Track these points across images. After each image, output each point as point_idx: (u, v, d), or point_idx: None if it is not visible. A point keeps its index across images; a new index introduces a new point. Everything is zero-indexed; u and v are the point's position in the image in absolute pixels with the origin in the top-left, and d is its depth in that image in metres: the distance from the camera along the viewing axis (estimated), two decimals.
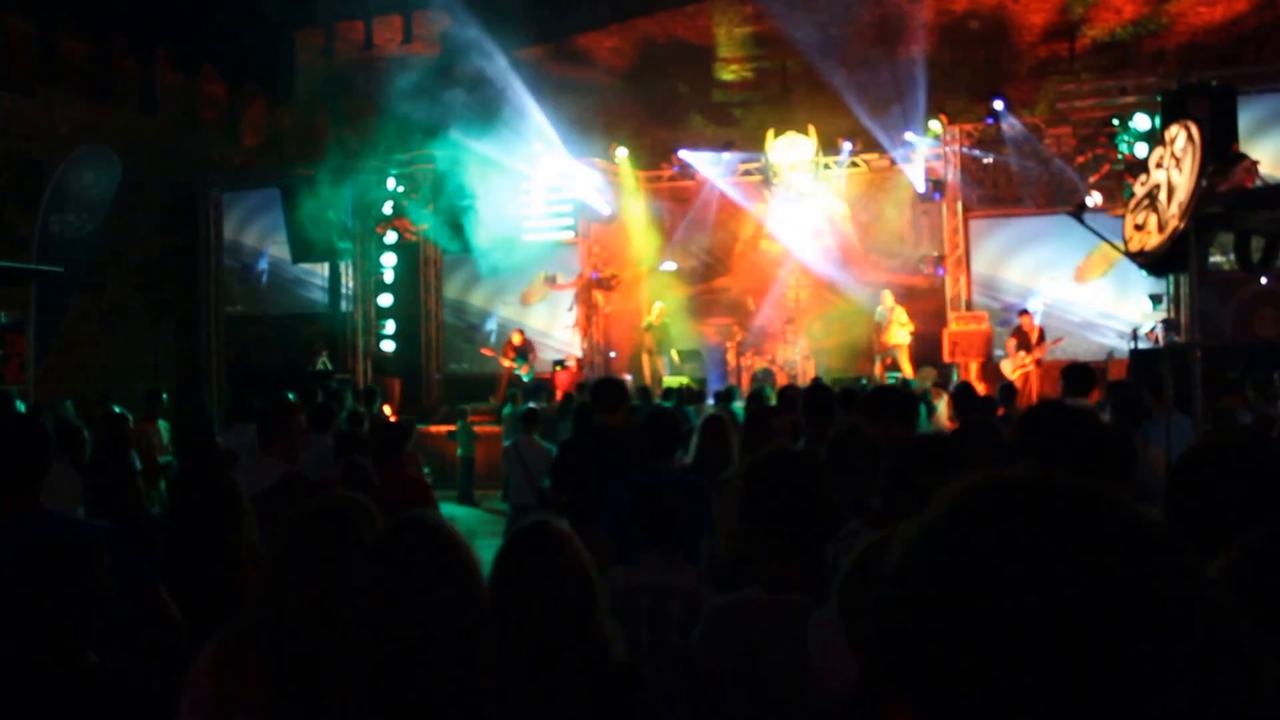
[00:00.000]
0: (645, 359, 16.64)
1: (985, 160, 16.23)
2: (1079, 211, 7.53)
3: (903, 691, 0.65)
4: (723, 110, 20.89)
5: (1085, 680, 0.59)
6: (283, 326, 18.77)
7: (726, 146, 18.01)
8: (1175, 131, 6.27)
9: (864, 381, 13.56)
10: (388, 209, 18.04)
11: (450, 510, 11.74)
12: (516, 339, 16.85)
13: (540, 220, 17.81)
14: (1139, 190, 6.91)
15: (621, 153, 17.63)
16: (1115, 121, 14.74)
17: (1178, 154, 6.04)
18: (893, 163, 16.65)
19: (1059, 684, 0.59)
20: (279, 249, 18.21)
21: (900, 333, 15.10)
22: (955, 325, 15.31)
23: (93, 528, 3.10)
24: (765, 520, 2.51)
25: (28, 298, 14.89)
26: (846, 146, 16.75)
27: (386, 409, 14.64)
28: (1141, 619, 0.60)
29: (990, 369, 14.54)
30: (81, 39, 17.49)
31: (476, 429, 14.61)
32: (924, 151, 15.98)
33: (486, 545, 2.04)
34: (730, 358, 16.29)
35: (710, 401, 12.79)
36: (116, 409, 7.24)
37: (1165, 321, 13.55)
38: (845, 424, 3.92)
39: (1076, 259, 15.46)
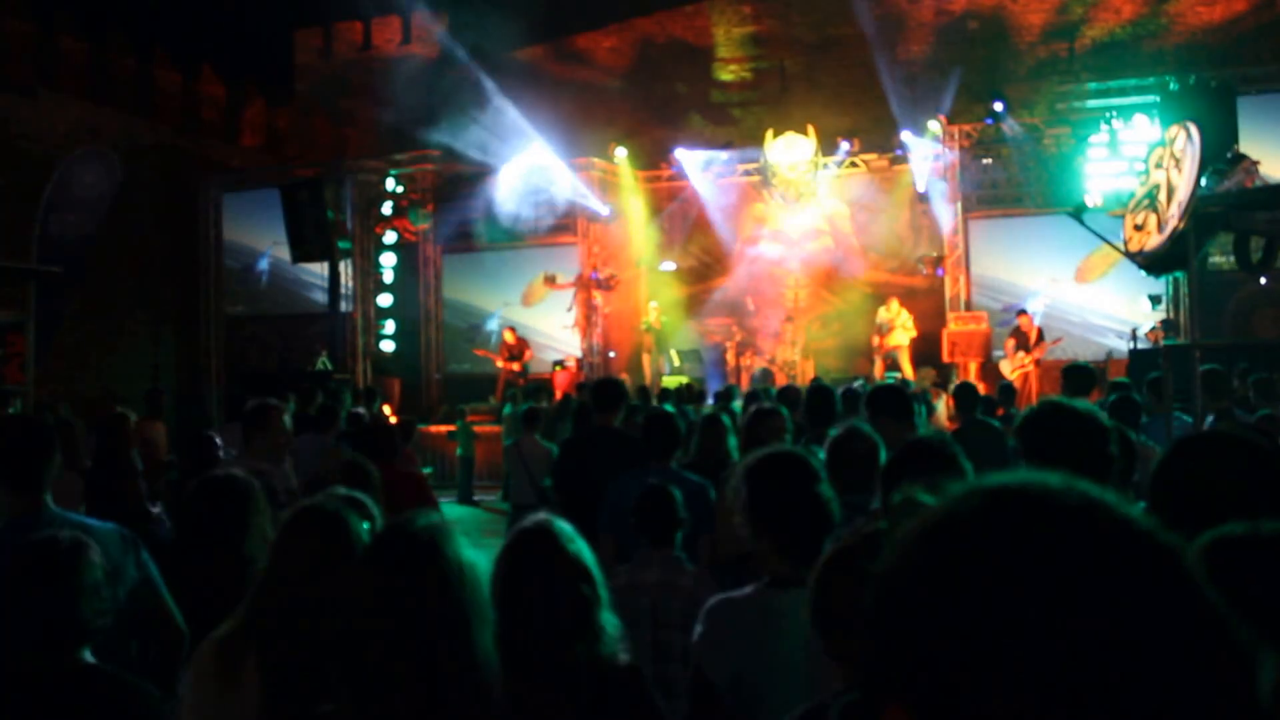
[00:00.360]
0: (645, 359, 16.65)
1: (985, 160, 16.23)
2: (1079, 212, 7.53)
3: (901, 696, 0.65)
4: (721, 110, 20.90)
5: (1085, 684, 0.59)
6: (283, 327, 18.76)
7: (725, 146, 18.02)
8: (1175, 132, 6.27)
9: (863, 381, 13.55)
10: (387, 209, 18.06)
11: (450, 510, 11.75)
12: (509, 337, 16.85)
13: (540, 220, 17.82)
14: (1139, 190, 6.91)
15: (620, 153, 17.64)
16: (1115, 121, 14.72)
17: (1177, 154, 6.03)
18: (892, 163, 16.65)
19: (1060, 689, 0.59)
20: (279, 249, 18.20)
21: (902, 335, 15.12)
22: (954, 325, 15.31)
23: (95, 530, 3.09)
24: (765, 519, 2.51)
25: (28, 298, 14.87)
26: (845, 146, 16.76)
27: (386, 409, 14.64)
28: (1141, 625, 0.60)
29: (989, 369, 14.54)
30: (81, 39, 17.47)
31: (476, 429, 14.62)
32: (923, 152, 15.98)
33: (487, 545, 2.04)
34: (729, 358, 16.27)
35: (709, 401, 12.78)
36: (118, 409, 7.23)
37: (1165, 322, 13.55)
38: (845, 424, 3.92)
39: (1076, 259, 15.44)
